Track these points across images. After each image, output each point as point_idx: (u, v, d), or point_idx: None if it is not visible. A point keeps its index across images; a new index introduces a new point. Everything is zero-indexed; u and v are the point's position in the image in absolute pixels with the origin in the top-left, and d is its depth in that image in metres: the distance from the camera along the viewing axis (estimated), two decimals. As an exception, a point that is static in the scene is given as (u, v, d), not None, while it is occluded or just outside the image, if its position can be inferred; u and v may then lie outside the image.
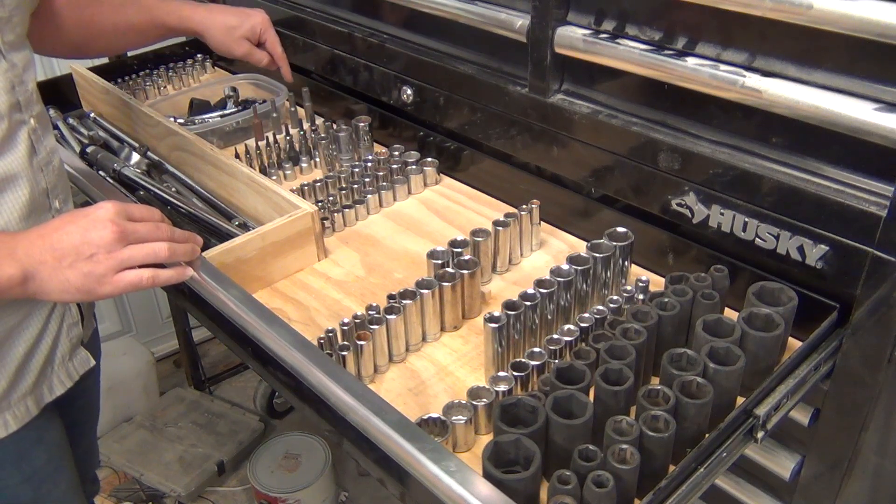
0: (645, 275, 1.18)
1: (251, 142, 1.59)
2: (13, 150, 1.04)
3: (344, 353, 1.01)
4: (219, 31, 1.50)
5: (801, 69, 0.93)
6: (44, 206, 1.10)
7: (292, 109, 1.65)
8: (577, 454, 0.80)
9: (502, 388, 0.95)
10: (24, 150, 1.05)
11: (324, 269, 1.27)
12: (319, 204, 1.35)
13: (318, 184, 1.42)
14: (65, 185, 1.17)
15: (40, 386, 1.12)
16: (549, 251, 1.29)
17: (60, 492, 1.22)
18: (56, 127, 1.65)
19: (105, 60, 1.97)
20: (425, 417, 0.94)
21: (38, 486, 1.17)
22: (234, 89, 1.75)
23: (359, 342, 1.01)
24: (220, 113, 1.69)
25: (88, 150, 1.51)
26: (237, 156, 1.50)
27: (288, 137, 1.59)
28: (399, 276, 1.25)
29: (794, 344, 1.02)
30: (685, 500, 0.80)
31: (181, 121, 1.66)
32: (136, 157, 1.50)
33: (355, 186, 1.41)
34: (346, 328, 1.03)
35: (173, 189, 1.44)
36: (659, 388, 0.86)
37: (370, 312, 1.07)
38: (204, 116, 1.68)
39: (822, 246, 0.95)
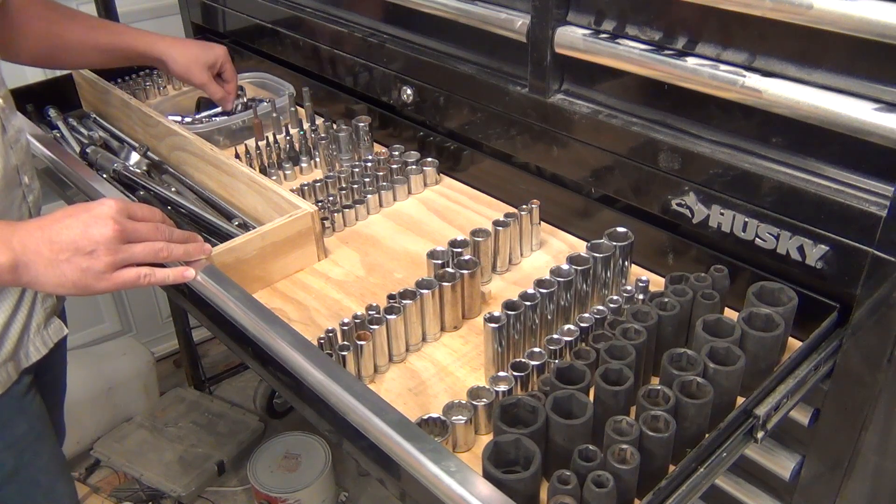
0: (645, 275, 1.18)
1: (251, 142, 1.59)
2: None
3: (344, 353, 1.01)
4: (182, 56, 1.56)
5: (801, 69, 0.93)
6: (14, 182, 1.15)
7: (292, 109, 1.65)
8: (577, 454, 0.80)
9: (502, 388, 0.95)
10: None
11: (324, 269, 1.27)
12: (319, 204, 1.35)
13: (318, 184, 1.42)
14: (31, 163, 1.22)
15: (18, 353, 1.16)
16: (549, 251, 1.29)
17: (42, 462, 1.24)
18: (56, 127, 1.65)
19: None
20: (425, 417, 0.94)
21: (20, 455, 1.20)
22: (241, 88, 1.75)
23: (359, 342, 1.01)
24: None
25: (88, 150, 1.51)
26: (237, 156, 1.50)
27: (288, 137, 1.59)
28: (399, 276, 1.25)
29: (794, 344, 1.02)
30: (685, 500, 0.80)
31: (189, 119, 1.67)
32: (136, 157, 1.50)
33: (355, 186, 1.41)
34: (346, 328, 1.03)
35: (173, 189, 1.44)
36: (659, 388, 0.86)
37: (370, 312, 1.07)
38: (211, 113, 1.69)
39: (822, 246, 0.95)
